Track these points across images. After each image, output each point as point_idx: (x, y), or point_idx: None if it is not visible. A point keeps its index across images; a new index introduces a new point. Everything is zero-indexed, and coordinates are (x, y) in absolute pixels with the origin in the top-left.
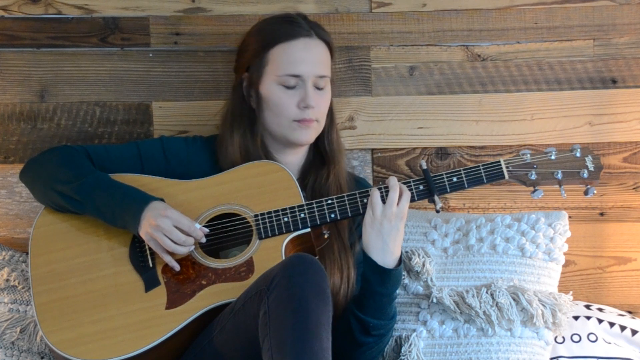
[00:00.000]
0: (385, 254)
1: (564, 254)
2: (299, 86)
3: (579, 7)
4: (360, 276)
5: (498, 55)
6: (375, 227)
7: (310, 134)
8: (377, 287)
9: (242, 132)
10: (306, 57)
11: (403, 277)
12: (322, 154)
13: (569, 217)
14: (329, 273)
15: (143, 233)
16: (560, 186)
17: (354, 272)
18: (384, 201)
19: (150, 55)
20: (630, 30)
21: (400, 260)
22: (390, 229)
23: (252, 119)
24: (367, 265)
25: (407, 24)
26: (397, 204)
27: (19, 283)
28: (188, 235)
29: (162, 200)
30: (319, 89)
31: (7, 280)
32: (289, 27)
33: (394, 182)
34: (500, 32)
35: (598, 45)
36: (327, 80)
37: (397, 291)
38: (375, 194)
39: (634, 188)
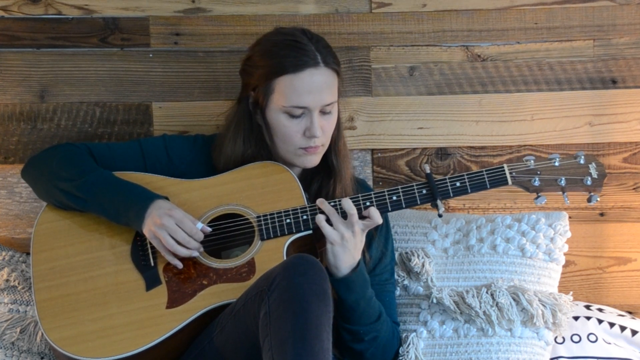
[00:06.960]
0: (351, 265)
1: (564, 254)
2: (305, 114)
3: (579, 7)
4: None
5: (498, 56)
6: (343, 245)
7: (315, 159)
8: (347, 295)
9: (245, 140)
10: (312, 89)
11: (403, 278)
12: (328, 163)
13: (569, 217)
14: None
15: (146, 231)
16: (563, 193)
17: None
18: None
19: (150, 55)
20: (630, 31)
21: (358, 262)
22: (356, 244)
23: (258, 132)
24: (334, 281)
25: (407, 24)
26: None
27: (19, 283)
28: (190, 237)
29: (167, 198)
30: (325, 113)
31: (7, 280)
32: (295, 54)
33: (348, 204)
34: (500, 33)
35: (598, 46)
36: (334, 104)
37: (370, 289)
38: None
39: (634, 188)
